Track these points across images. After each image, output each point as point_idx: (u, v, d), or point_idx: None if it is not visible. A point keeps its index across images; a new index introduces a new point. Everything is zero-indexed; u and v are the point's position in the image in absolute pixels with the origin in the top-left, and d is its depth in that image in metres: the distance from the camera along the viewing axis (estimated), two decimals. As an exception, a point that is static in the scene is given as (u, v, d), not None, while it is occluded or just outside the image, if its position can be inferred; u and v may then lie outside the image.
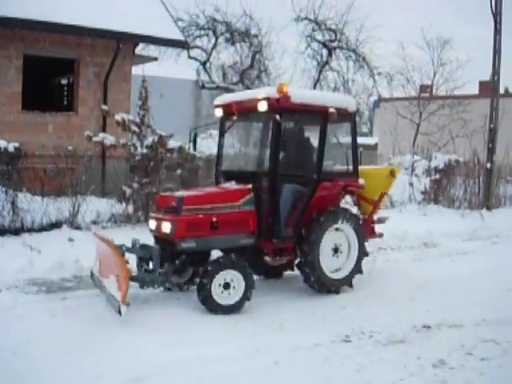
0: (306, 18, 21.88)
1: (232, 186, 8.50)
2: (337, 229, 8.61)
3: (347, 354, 6.05)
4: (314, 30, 22.38)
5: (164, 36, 16.29)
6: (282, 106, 8.04)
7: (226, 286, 7.37)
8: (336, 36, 22.36)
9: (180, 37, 16.89)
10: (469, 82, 22.70)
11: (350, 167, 9.13)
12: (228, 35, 22.22)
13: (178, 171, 12.80)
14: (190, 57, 22.56)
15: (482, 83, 36.25)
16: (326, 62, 22.85)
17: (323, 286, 8.40)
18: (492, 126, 19.01)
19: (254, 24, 21.90)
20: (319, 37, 22.62)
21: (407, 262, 11.40)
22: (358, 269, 8.85)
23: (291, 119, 8.97)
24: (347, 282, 8.73)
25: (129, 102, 16.37)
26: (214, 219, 7.66)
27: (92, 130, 13.31)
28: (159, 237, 7.93)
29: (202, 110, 28.00)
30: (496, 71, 19.35)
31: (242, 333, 6.72)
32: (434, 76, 21.89)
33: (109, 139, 12.57)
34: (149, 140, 12.49)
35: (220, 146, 9.46)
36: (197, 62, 22.83)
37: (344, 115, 8.87)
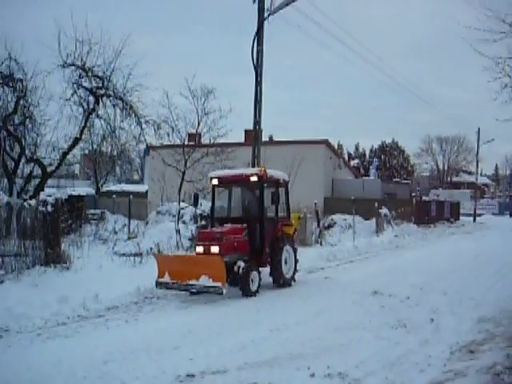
0: (73, 64, 21.22)
1: (232, 226, 13.76)
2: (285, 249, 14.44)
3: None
4: (80, 77, 21.75)
5: None
6: (263, 179, 13.95)
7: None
8: (103, 83, 21.96)
9: None
10: (232, 131, 23.61)
11: (286, 213, 15.36)
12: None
13: None
14: None
15: (246, 131, 38.24)
16: (93, 109, 22.31)
17: (283, 281, 14.14)
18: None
19: (18, 68, 20.71)
20: (86, 83, 22.06)
21: (173, 309, 11.26)
22: (295, 272, 14.83)
23: (268, 186, 14.47)
24: (292, 279, 14.63)
25: None
26: (235, 244, 13.23)
27: None
28: None
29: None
30: (257, 120, 20.35)
31: None
32: (199, 125, 22.35)
33: None
34: None
35: (213, 202, 14.95)
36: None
37: (284, 183, 15.20)
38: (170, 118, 22.22)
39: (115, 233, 23.33)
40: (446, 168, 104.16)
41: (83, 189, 36.86)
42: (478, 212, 60.93)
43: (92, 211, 28.65)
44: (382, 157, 71.36)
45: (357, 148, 75.83)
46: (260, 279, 13.11)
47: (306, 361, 7.52)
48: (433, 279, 15.27)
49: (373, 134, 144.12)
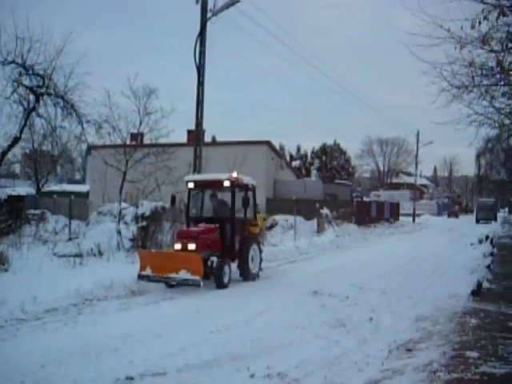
0: (14, 62, 20.66)
1: (206, 226, 15.16)
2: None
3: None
4: (21, 75, 21.21)
5: None
6: (235, 184, 15.35)
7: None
8: (44, 82, 21.47)
9: None
10: (174, 131, 23.38)
11: (253, 215, 16.63)
12: None
13: None
14: None
15: (189, 132, 37.97)
16: (34, 108, 21.80)
17: (249, 275, 15.45)
18: (196, 172, 19.78)
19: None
20: (27, 82, 21.52)
21: (114, 311, 11.02)
22: (260, 269, 16.23)
23: (238, 190, 15.84)
24: (258, 274, 15.96)
25: None
26: (209, 242, 14.65)
27: None
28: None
29: None
30: (199, 121, 20.29)
31: None
32: (140, 124, 22.05)
33: None
34: None
35: (188, 204, 16.23)
36: None
37: (252, 187, 16.55)
38: (111, 117, 21.85)
39: (56, 233, 22.88)
40: (386, 169, 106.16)
41: (23, 189, 35.99)
42: (417, 212, 62.34)
43: (32, 211, 27.96)
44: (324, 158, 72.02)
45: (298, 149, 76.26)
46: (230, 273, 14.47)
47: (245, 361, 7.56)
48: (372, 279, 15.56)
49: (315, 136, 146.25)
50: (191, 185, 15.96)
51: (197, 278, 13.00)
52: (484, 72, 13.86)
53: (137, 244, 18.91)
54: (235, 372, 7.13)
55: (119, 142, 22.57)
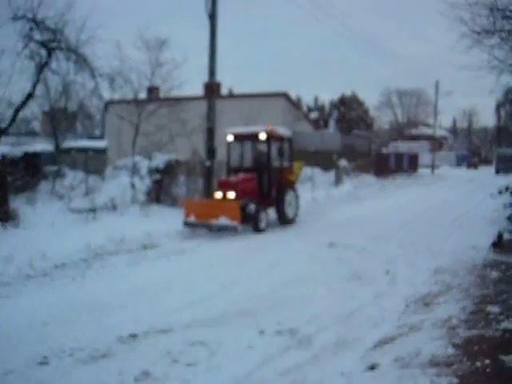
0: (24, 17, 20.08)
1: (244, 175, 16.29)
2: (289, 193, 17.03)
3: (41, 378, 5.31)
4: (31, 30, 20.63)
5: None
6: (270, 136, 16.36)
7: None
8: (56, 36, 20.85)
9: None
10: (189, 83, 22.64)
11: (289, 164, 17.71)
12: None
13: None
14: None
15: (205, 85, 37.29)
16: (46, 63, 21.30)
17: (286, 220, 16.75)
18: (209, 125, 19.35)
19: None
20: (38, 36, 20.97)
21: (123, 266, 10.75)
22: (297, 213, 17.40)
23: (274, 142, 16.71)
24: (294, 219, 17.21)
25: None
26: (248, 190, 15.66)
27: None
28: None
29: None
30: (212, 74, 19.67)
31: None
32: (153, 76, 21.36)
33: None
34: None
35: (229, 156, 17.16)
36: None
37: (288, 139, 17.65)
38: (123, 70, 21.24)
39: (72, 189, 22.65)
40: (405, 121, 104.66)
41: (40, 145, 35.69)
42: (436, 164, 61.52)
43: (50, 168, 27.73)
44: (342, 109, 70.78)
45: (316, 101, 75.14)
46: (267, 218, 15.82)
47: (255, 317, 7.28)
48: (390, 230, 15.22)
49: (332, 88, 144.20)
50: (230, 137, 17.01)
51: (235, 223, 14.23)
52: (508, 14, 13.25)
53: (151, 197, 18.65)
54: (243, 328, 6.85)
55: (132, 95, 22.02)
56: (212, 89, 19.96)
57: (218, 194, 15.53)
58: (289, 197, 16.93)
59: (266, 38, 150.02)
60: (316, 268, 10.43)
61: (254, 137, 16.85)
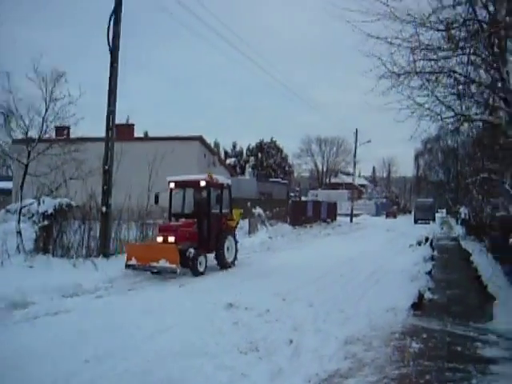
0: None
1: (185, 220, 17.22)
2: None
3: None
4: None
5: None
6: (210, 184, 17.33)
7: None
8: None
9: None
10: (84, 119, 20.30)
11: (229, 210, 18.83)
12: None
13: None
14: None
15: (117, 126, 35.55)
16: None
17: (225, 264, 17.54)
18: (107, 167, 17.59)
19: None
20: None
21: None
22: (236, 257, 18.43)
23: (214, 189, 17.78)
24: (234, 262, 18.18)
25: None
26: (188, 235, 16.59)
27: None
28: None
29: None
30: (111, 110, 17.96)
31: None
32: (46, 112, 19.12)
33: None
34: None
35: (170, 201, 17.94)
36: None
37: (228, 186, 18.73)
38: (12, 105, 19.02)
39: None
40: (325, 169, 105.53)
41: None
42: (355, 212, 61.29)
43: None
44: (260, 155, 69.93)
45: (234, 146, 73.92)
46: (206, 262, 16.44)
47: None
48: (300, 286, 13.71)
49: (253, 134, 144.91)
50: (172, 185, 17.80)
51: (174, 266, 14.94)
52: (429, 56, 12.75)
53: (38, 246, 16.58)
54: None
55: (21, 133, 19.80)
56: (111, 129, 18.19)
57: (159, 239, 16.28)
58: (228, 242, 17.85)
59: (189, 83, 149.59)
60: (207, 337, 8.70)
61: (194, 184, 17.65)
